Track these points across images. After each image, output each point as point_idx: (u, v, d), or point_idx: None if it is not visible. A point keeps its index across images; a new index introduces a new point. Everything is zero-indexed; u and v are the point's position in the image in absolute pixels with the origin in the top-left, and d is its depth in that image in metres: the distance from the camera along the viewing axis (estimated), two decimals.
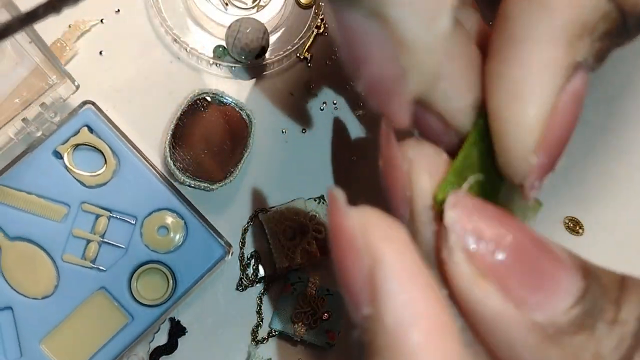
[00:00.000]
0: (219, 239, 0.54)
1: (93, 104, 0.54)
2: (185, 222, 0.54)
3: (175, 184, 0.54)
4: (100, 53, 0.57)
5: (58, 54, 0.54)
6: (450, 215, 0.18)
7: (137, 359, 0.53)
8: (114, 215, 0.53)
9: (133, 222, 0.53)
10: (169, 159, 0.53)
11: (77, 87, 0.53)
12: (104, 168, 0.53)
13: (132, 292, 0.52)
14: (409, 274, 0.17)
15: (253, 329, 0.55)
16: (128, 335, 0.52)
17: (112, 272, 0.52)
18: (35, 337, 0.51)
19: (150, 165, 0.54)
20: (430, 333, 0.17)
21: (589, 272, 0.18)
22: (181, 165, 0.53)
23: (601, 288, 0.18)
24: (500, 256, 0.18)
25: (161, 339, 0.55)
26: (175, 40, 0.56)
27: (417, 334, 0.17)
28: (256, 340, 0.55)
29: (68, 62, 0.56)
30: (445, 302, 0.18)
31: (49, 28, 0.55)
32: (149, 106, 0.56)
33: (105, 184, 0.53)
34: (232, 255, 0.55)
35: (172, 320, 0.54)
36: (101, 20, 0.57)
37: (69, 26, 0.56)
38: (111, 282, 0.52)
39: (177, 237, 0.53)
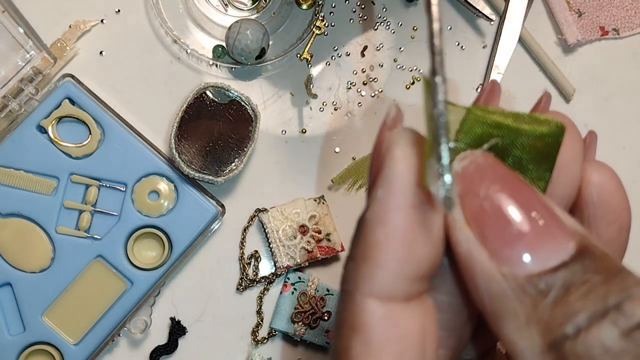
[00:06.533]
0: (210, 199, 0.55)
1: (72, 76, 0.54)
2: (175, 185, 0.54)
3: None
4: (101, 53, 0.57)
5: (58, 54, 0.54)
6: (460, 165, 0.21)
7: (141, 322, 0.54)
8: (104, 184, 0.54)
9: (123, 189, 0.54)
10: (174, 151, 0.53)
11: (55, 61, 0.53)
12: (89, 138, 0.53)
13: (129, 258, 0.53)
14: (401, 168, 0.21)
15: (253, 329, 0.56)
16: (129, 300, 0.53)
17: (107, 240, 0.53)
18: (37, 311, 0.52)
19: (135, 132, 0.55)
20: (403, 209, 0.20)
21: (585, 248, 0.19)
22: (186, 158, 0.53)
23: (592, 266, 0.18)
24: (486, 205, 0.19)
25: (161, 339, 0.55)
26: (175, 41, 0.56)
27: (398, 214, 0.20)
28: (256, 340, 0.56)
29: (68, 62, 0.56)
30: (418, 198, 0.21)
31: (49, 28, 0.55)
32: (149, 106, 0.56)
33: (91, 154, 0.54)
34: (224, 216, 0.55)
35: (172, 320, 0.55)
36: (101, 21, 0.57)
37: (69, 26, 0.56)
38: (107, 249, 0.53)
39: (168, 200, 0.54)
